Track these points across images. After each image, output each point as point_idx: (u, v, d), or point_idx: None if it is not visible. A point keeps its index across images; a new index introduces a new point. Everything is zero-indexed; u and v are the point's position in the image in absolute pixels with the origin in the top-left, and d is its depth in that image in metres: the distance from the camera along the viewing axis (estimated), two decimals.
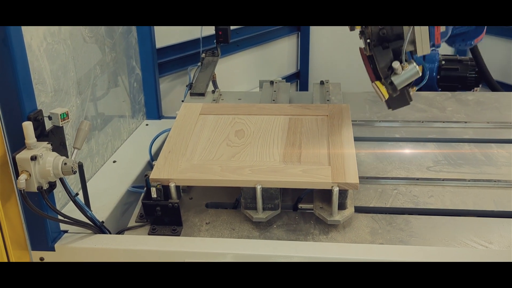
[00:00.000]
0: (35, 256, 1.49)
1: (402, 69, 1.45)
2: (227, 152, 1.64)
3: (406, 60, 1.45)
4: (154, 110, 2.50)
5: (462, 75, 2.62)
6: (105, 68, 2.04)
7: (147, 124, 2.45)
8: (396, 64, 1.44)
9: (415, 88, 1.55)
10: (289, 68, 3.72)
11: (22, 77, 1.32)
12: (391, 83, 1.47)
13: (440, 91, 2.68)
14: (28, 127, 1.30)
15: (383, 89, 1.50)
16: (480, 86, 2.65)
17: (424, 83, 1.66)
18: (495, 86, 2.83)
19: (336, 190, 1.45)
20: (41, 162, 1.32)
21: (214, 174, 1.54)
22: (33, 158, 1.29)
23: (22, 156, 1.30)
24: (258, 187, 1.50)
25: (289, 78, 3.69)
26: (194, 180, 1.55)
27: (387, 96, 1.51)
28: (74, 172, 1.36)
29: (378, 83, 1.50)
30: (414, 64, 1.46)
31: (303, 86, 3.74)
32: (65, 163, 1.34)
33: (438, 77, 2.68)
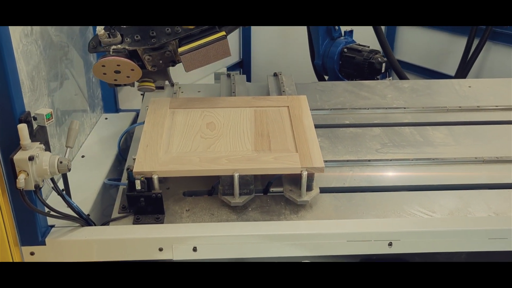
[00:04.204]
0: (25, 251, 1.55)
1: None
2: (202, 144, 1.78)
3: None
4: (111, 104, 2.56)
5: (357, 63, 2.92)
6: (69, 66, 2.08)
7: (106, 118, 2.50)
8: None
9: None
10: (233, 57, 3.86)
11: (12, 80, 1.36)
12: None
13: (343, 76, 2.96)
14: (23, 129, 1.36)
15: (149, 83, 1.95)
16: (391, 77, 2.96)
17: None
18: (401, 74, 3.11)
19: (305, 174, 1.64)
20: (38, 162, 1.39)
21: (194, 165, 1.67)
22: (31, 158, 1.36)
23: (20, 157, 1.36)
24: (236, 175, 1.65)
25: (232, 67, 3.83)
26: (176, 171, 1.67)
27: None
28: (69, 170, 1.44)
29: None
30: None
31: (247, 75, 3.90)
32: (61, 162, 1.42)
33: (340, 62, 2.97)
